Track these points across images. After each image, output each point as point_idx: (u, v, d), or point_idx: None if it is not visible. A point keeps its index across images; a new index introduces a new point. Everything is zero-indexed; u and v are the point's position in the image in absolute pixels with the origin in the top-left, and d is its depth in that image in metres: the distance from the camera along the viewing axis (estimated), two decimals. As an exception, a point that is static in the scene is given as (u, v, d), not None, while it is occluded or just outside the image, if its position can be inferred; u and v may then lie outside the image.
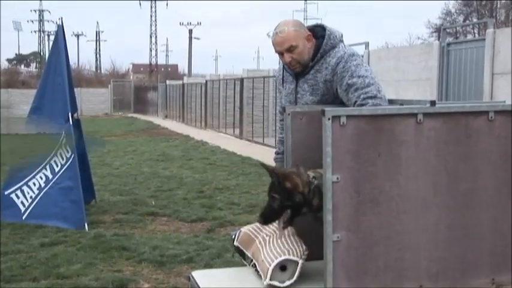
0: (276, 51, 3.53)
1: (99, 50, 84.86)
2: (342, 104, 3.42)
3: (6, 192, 7.95)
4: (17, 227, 7.41)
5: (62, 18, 8.48)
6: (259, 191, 9.62)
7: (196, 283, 3.08)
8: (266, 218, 3.06)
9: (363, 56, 3.48)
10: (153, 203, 9.01)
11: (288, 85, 3.66)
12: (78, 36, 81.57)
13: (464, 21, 36.63)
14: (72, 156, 7.73)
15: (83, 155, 8.47)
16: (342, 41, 3.56)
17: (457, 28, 33.50)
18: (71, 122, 7.88)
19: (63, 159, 7.77)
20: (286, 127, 3.33)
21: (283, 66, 3.68)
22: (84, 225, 7.28)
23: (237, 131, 21.44)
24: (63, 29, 8.38)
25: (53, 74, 8.24)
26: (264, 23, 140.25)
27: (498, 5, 38.11)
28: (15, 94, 42.42)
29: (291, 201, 2.96)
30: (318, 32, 3.54)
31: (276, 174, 2.96)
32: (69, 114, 7.89)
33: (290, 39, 3.44)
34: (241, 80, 22.23)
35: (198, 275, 3.22)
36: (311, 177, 2.97)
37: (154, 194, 9.82)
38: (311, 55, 3.49)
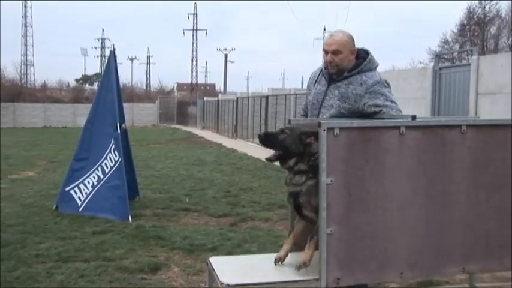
0: (323, 50, 3.56)
1: (149, 71, 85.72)
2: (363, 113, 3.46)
3: (66, 189, 8.07)
4: (74, 217, 7.49)
5: (113, 45, 8.70)
6: (278, 192, 9.61)
7: (213, 267, 3.10)
8: (266, 136, 3.15)
9: None
10: (187, 200, 9.03)
11: (319, 86, 3.66)
12: (132, 59, 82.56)
13: (460, 48, 36.32)
14: (120, 160, 7.80)
15: (129, 158, 8.56)
16: (376, 68, 3.60)
17: (454, 54, 33.26)
18: (119, 131, 7.96)
19: (112, 162, 7.85)
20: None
21: (321, 70, 3.69)
22: (128, 218, 7.32)
23: (262, 141, 21.41)
24: (114, 54, 8.50)
25: (105, 91, 8.34)
26: (289, 50, 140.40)
27: (488, 36, 37.92)
28: (80, 108, 43.05)
29: (295, 149, 3.01)
30: (360, 54, 3.58)
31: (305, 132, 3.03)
32: (118, 124, 7.98)
33: (339, 44, 3.49)
34: (267, 97, 22.28)
35: (214, 260, 3.25)
36: None
37: (189, 192, 9.83)
38: (348, 67, 3.51)
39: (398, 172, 2.87)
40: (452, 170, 2.94)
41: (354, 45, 3.56)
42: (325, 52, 3.53)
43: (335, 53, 3.48)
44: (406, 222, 2.90)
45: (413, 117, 2.92)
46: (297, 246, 3.22)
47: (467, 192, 2.97)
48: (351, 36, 3.59)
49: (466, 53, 30.92)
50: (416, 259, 2.92)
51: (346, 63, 3.51)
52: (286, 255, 3.13)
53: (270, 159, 3.15)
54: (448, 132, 2.93)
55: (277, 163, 3.17)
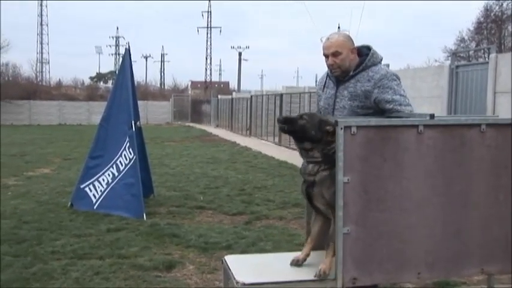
0: (323, 54, 3.56)
1: (164, 69, 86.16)
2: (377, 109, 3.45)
3: (81, 186, 8.12)
4: (89, 215, 7.53)
5: (128, 43, 8.63)
6: (292, 190, 9.59)
7: (228, 266, 3.09)
8: (286, 120, 3.12)
9: None
10: (202, 198, 9.03)
11: (328, 90, 3.66)
12: (146, 58, 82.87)
13: (476, 46, 35.98)
14: (134, 157, 7.82)
15: (144, 156, 8.57)
16: (381, 62, 3.59)
17: (470, 52, 32.95)
18: (133, 129, 7.98)
19: (126, 159, 7.88)
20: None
21: (327, 74, 3.70)
22: (143, 215, 7.33)
23: (276, 139, 21.41)
24: (129, 53, 8.51)
25: (120, 89, 8.37)
26: (302, 49, 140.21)
27: (505, 33, 37.50)
28: (94, 106, 43.30)
29: (314, 135, 3.00)
30: (363, 51, 3.57)
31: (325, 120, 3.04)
32: (133, 122, 8.00)
33: (337, 45, 3.49)
34: (281, 95, 22.27)
35: (230, 259, 3.24)
36: None
37: (203, 190, 9.83)
38: (353, 66, 3.51)
39: (416, 171, 2.84)
40: (471, 169, 2.90)
41: (353, 43, 3.55)
42: (326, 56, 3.54)
43: (335, 54, 3.49)
44: (424, 222, 2.87)
45: (432, 116, 2.89)
46: (314, 244, 3.20)
47: (486, 193, 2.93)
48: (348, 36, 3.60)
49: (482, 51, 30.68)
50: (434, 259, 2.89)
51: (349, 63, 3.50)
52: (305, 259, 3.11)
53: (283, 129, 3.13)
54: (467, 131, 2.89)
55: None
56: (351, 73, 3.51)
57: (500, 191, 2.96)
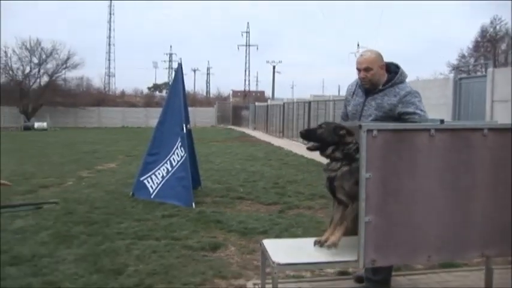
0: (356, 68, 3.57)
1: (209, 80, 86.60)
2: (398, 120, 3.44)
3: (141, 179, 8.23)
4: (147, 203, 7.62)
5: (181, 59, 8.78)
6: (319, 184, 9.48)
7: (265, 248, 3.10)
8: (307, 132, 3.17)
9: None
10: (241, 190, 9.04)
11: (357, 98, 3.66)
12: (194, 70, 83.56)
13: (474, 62, 36.14)
14: (185, 155, 7.89)
15: (193, 154, 8.64)
16: (405, 80, 3.59)
17: (470, 67, 33.00)
18: (184, 131, 8.05)
19: (179, 156, 7.95)
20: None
21: (357, 83, 3.69)
22: (192, 204, 7.37)
23: (306, 140, 21.28)
24: (181, 67, 8.61)
25: (173, 98, 8.44)
26: (328, 63, 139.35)
27: (499, 51, 37.83)
28: (151, 111, 43.95)
29: (330, 140, 3.00)
30: (391, 68, 3.57)
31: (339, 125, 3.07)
32: (184, 125, 8.08)
33: (368, 62, 3.50)
34: (309, 103, 22.17)
35: (267, 242, 3.25)
36: (354, 141, 2.98)
37: (243, 183, 9.84)
38: (382, 81, 3.51)
39: (427, 169, 2.81)
40: (474, 167, 2.88)
41: (383, 60, 3.55)
42: (358, 70, 3.54)
43: (366, 70, 3.49)
44: (434, 212, 2.84)
45: (442, 121, 2.87)
46: None
47: (488, 187, 2.90)
48: (379, 54, 3.58)
49: (480, 65, 30.79)
50: (442, 244, 2.87)
51: (378, 78, 3.50)
52: (326, 241, 3.10)
53: (310, 148, 3.15)
54: (471, 135, 2.87)
55: (317, 154, 3.16)
56: (380, 87, 3.51)
57: (499, 186, 2.92)
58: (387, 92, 3.48)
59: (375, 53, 3.56)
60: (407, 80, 3.63)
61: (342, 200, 3.04)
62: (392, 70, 3.55)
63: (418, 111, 3.37)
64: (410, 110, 3.38)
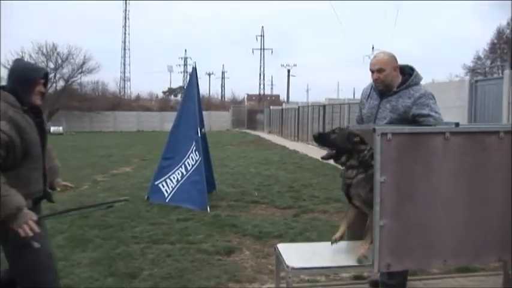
0: (370, 70, 3.57)
1: (224, 84, 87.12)
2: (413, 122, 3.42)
3: (156, 183, 8.29)
4: (162, 207, 7.68)
5: (195, 63, 8.83)
6: (334, 188, 9.46)
7: (280, 252, 3.11)
8: (320, 136, 3.12)
9: None
10: (256, 194, 9.04)
11: (372, 101, 3.66)
12: (209, 74, 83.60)
13: (491, 64, 35.63)
14: (200, 159, 7.93)
15: (207, 158, 8.68)
16: (420, 83, 3.58)
17: (486, 69, 32.55)
18: (199, 135, 8.09)
19: (193, 160, 7.99)
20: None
21: (372, 86, 3.69)
22: (207, 208, 7.39)
23: (320, 144, 21.23)
24: (195, 70, 8.66)
25: (188, 102, 8.50)
26: (343, 65, 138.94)
27: None
28: (166, 115, 44.22)
29: (343, 146, 2.97)
30: (405, 70, 3.56)
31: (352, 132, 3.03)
32: (198, 129, 8.12)
33: (381, 63, 3.50)
34: (324, 106, 22.13)
35: (281, 246, 3.25)
36: (368, 149, 2.96)
37: (257, 187, 9.84)
38: (396, 83, 3.50)
39: (443, 172, 2.79)
40: (490, 171, 2.84)
41: (396, 62, 3.54)
42: (372, 72, 3.54)
43: (379, 71, 3.49)
44: (450, 216, 2.81)
45: (457, 124, 2.85)
46: (352, 235, 3.19)
47: (504, 191, 2.86)
48: (393, 55, 3.58)
49: (496, 67, 30.47)
50: (458, 248, 2.84)
51: (391, 79, 3.49)
52: (341, 237, 3.10)
53: (324, 158, 3.13)
54: (487, 138, 2.83)
55: (331, 161, 3.15)
56: (395, 89, 3.50)
57: (516, 189, 2.87)
58: (402, 94, 3.47)
59: (388, 55, 3.56)
60: (422, 82, 3.61)
61: (358, 207, 3.03)
62: (407, 72, 3.54)
63: (433, 113, 3.35)
64: (425, 112, 3.36)
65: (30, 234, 2.71)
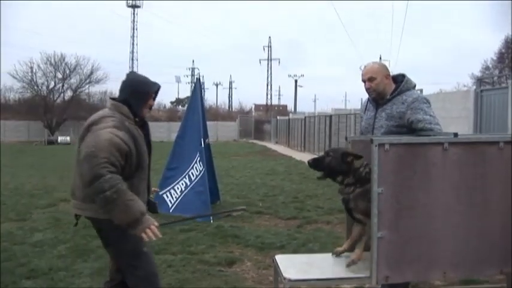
0: (362, 80, 3.59)
1: (231, 94, 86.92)
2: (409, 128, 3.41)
3: (160, 193, 8.23)
4: (166, 216, 7.50)
5: (199, 73, 9.25)
6: (339, 199, 9.42)
7: (278, 264, 3.08)
8: (314, 161, 3.07)
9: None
10: (260, 204, 9.02)
11: (369, 112, 3.68)
12: (217, 85, 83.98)
13: (499, 73, 35.50)
14: (203, 170, 7.94)
15: (211, 168, 8.69)
16: (414, 88, 3.59)
17: (494, 78, 32.37)
18: (203, 146, 8.12)
19: (197, 171, 8.00)
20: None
21: (368, 98, 3.71)
22: (210, 219, 7.37)
23: (327, 154, 21.19)
24: (200, 82, 8.72)
25: (192, 112, 8.53)
26: (350, 75, 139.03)
27: None
28: (174, 125, 44.33)
29: (340, 168, 2.95)
30: (398, 78, 3.59)
31: (346, 152, 3.00)
32: (202, 140, 8.14)
33: (372, 72, 3.52)
34: (330, 116, 22.12)
35: (279, 258, 3.22)
36: (364, 164, 2.94)
37: (262, 198, 9.83)
38: (389, 91, 3.51)
39: (442, 183, 2.76)
40: (491, 181, 2.80)
41: (387, 70, 3.59)
42: (363, 81, 3.58)
43: (370, 80, 3.52)
44: (449, 227, 2.78)
45: (455, 135, 2.83)
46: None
47: (504, 201, 2.82)
48: (383, 64, 3.65)
49: (505, 77, 30.47)
50: (458, 260, 2.80)
51: (383, 87, 3.52)
52: (343, 252, 3.11)
53: (320, 178, 3.12)
54: (487, 148, 2.80)
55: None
56: (388, 97, 3.51)
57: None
58: (395, 101, 3.49)
59: (378, 63, 3.64)
60: (429, 91, 3.61)
61: (359, 219, 3.01)
62: (399, 80, 3.57)
63: (427, 117, 3.34)
64: (420, 116, 3.36)
65: (153, 239, 2.77)
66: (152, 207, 3.28)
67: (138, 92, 3.03)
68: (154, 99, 3.16)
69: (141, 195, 3.02)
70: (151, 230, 2.77)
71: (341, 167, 2.96)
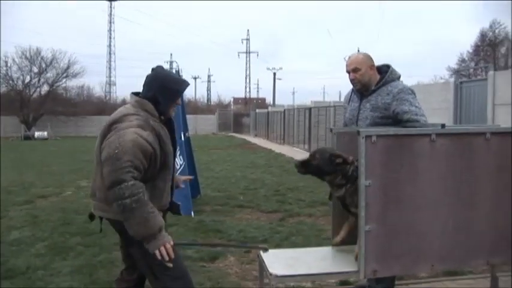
0: (346, 71, 3.54)
1: (210, 88, 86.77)
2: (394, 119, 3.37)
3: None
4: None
5: (178, 66, 8.79)
6: (321, 191, 9.38)
7: (263, 259, 3.01)
8: (302, 164, 3.00)
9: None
10: (242, 198, 8.96)
11: (353, 103, 3.63)
12: (195, 78, 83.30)
13: (475, 66, 36.39)
14: (184, 164, 7.82)
15: (191, 162, 8.58)
16: (399, 78, 3.54)
17: (470, 70, 33.09)
18: (183, 139, 7.99)
19: (177, 165, 7.85)
20: (333, 143, 3.24)
21: (352, 89, 3.65)
22: (191, 213, 7.30)
23: (306, 146, 21.24)
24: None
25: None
26: (328, 69, 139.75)
27: (499, 55, 38.58)
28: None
29: (328, 170, 2.89)
30: (383, 69, 3.54)
31: (334, 154, 2.93)
32: (182, 133, 8.01)
33: (356, 62, 3.48)
34: (310, 109, 22.10)
35: (265, 253, 3.13)
36: (350, 161, 2.88)
37: (243, 191, 9.76)
38: (373, 82, 3.47)
39: (429, 175, 2.72)
40: (478, 172, 2.79)
41: (372, 61, 3.53)
42: (348, 72, 3.53)
43: (355, 70, 3.47)
44: (437, 220, 2.75)
45: (443, 126, 2.79)
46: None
47: (492, 193, 2.81)
48: (367, 55, 3.56)
49: (480, 69, 31.19)
50: (446, 253, 2.77)
51: (368, 78, 3.47)
52: (342, 241, 3.08)
53: (301, 173, 3.04)
54: (474, 139, 2.78)
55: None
56: (373, 88, 3.47)
57: (503, 191, 2.83)
58: (380, 92, 3.45)
59: (363, 54, 3.56)
60: (407, 83, 3.57)
61: (355, 213, 2.96)
62: (384, 71, 3.53)
63: (413, 108, 3.30)
64: (405, 107, 3.32)
65: (166, 258, 2.59)
66: (175, 209, 3.12)
67: (168, 89, 2.79)
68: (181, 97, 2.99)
69: (165, 197, 2.87)
70: (166, 249, 2.60)
71: (329, 169, 2.90)
